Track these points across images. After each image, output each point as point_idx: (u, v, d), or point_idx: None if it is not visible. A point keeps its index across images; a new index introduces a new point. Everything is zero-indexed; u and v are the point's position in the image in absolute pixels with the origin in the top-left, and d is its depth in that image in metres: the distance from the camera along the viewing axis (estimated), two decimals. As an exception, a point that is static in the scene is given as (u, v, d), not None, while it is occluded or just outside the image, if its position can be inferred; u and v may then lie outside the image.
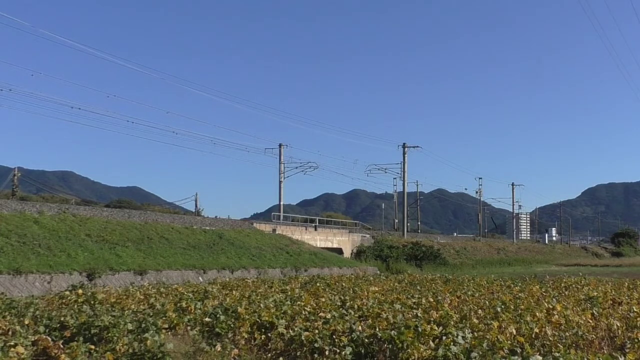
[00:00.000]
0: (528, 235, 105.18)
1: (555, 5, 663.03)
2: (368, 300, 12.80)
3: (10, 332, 8.39)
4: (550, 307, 11.30)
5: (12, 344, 7.44)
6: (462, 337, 7.97)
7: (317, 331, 8.61)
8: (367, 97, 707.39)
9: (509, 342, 8.14)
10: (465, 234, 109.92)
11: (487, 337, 8.17)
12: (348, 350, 7.89)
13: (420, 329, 8.26)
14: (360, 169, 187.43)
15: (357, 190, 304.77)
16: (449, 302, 13.00)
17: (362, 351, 8.05)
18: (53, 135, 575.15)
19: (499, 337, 8.18)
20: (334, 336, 8.45)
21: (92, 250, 23.18)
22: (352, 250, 49.44)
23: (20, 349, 7.33)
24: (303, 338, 8.35)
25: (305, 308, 11.05)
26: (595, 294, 15.07)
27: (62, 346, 7.68)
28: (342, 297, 13.74)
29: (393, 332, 7.89)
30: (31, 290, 17.74)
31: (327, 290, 17.12)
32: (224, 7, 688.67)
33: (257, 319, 9.73)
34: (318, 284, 19.19)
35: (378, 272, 38.23)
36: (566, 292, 16.74)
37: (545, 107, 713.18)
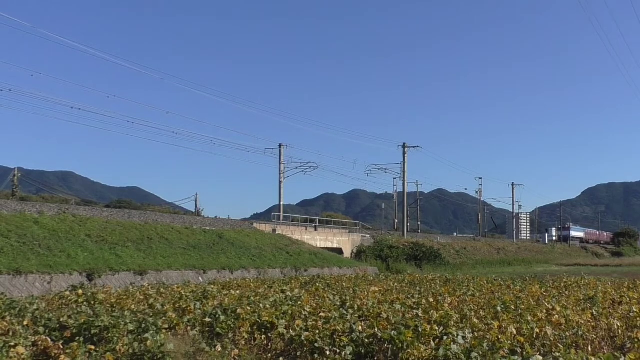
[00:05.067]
0: (528, 235, 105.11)
1: (556, 5, 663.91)
2: (368, 300, 12.78)
3: (10, 333, 8.37)
4: (551, 307, 11.29)
5: (12, 344, 7.43)
6: (463, 337, 7.97)
7: (317, 331, 8.60)
8: (367, 97, 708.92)
9: (509, 342, 8.13)
10: (465, 234, 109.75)
11: (488, 337, 8.17)
12: (348, 350, 7.88)
13: (420, 329, 8.25)
14: (360, 169, 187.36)
15: (357, 190, 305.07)
16: (449, 302, 12.98)
17: (362, 351, 8.05)
18: (53, 135, 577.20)
19: (499, 337, 8.17)
20: (334, 336, 8.44)
21: (92, 250, 23.17)
22: (352, 250, 49.41)
23: (21, 350, 7.33)
24: (303, 338, 8.34)
25: (305, 308, 11.04)
26: (595, 294, 15.06)
27: (62, 347, 7.67)
28: (342, 297, 13.72)
29: (393, 332, 7.88)
30: (31, 291, 17.73)
31: (327, 290, 17.10)
32: (224, 7, 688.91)
33: (257, 319, 9.71)
34: (318, 284, 19.17)
35: (378, 272, 38.22)
36: (566, 292, 16.72)
37: (545, 107, 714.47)
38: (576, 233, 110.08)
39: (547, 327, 9.06)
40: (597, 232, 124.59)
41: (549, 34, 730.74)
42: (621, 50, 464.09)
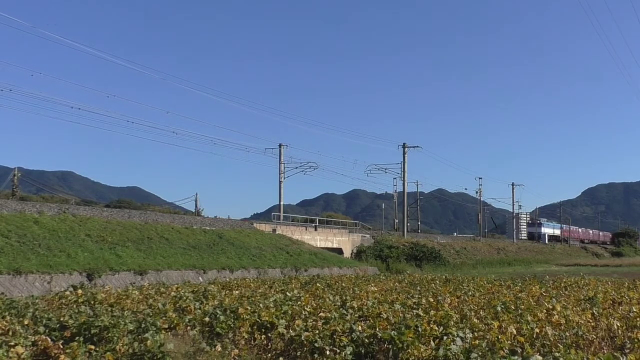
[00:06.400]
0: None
1: (556, 5, 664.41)
2: (368, 300, 12.79)
3: (10, 332, 8.37)
4: (550, 307, 11.29)
5: (12, 344, 7.43)
6: (462, 337, 7.97)
7: (317, 331, 8.59)
8: (367, 97, 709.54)
9: (509, 342, 8.13)
10: (465, 234, 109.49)
11: (487, 337, 8.17)
12: (348, 350, 7.88)
13: (420, 329, 8.25)
14: (360, 169, 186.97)
15: (357, 190, 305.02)
16: (449, 302, 12.98)
17: (362, 351, 8.04)
18: (53, 135, 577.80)
19: (499, 337, 8.17)
20: (334, 336, 8.43)
21: (92, 250, 23.17)
22: (352, 250, 49.41)
23: (20, 349, 7.32)
24: (303, 338, 8.34)
25: (305, 308, 11.04)
26: (595, 294, 15.06)
27: (62, 346, 7.67)
28: (342, 297, 13.72)
29: (393, 332, 7.88)
30: (31, 290, 17.73)
31: (327, 290, 17.10)
32: (224, 7, 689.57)
33: (257, 319, 9.71)
34: (318, 284, 19.17)
35: (378, 272, 38.22)
36: (566, 292, 16.72)
37: (546, 107, 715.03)
38: (550, 230, 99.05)
39: (547, 327, 9.06)
40: (580, 230, 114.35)
41: (549, 34, 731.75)
42: (621, 50, 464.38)
